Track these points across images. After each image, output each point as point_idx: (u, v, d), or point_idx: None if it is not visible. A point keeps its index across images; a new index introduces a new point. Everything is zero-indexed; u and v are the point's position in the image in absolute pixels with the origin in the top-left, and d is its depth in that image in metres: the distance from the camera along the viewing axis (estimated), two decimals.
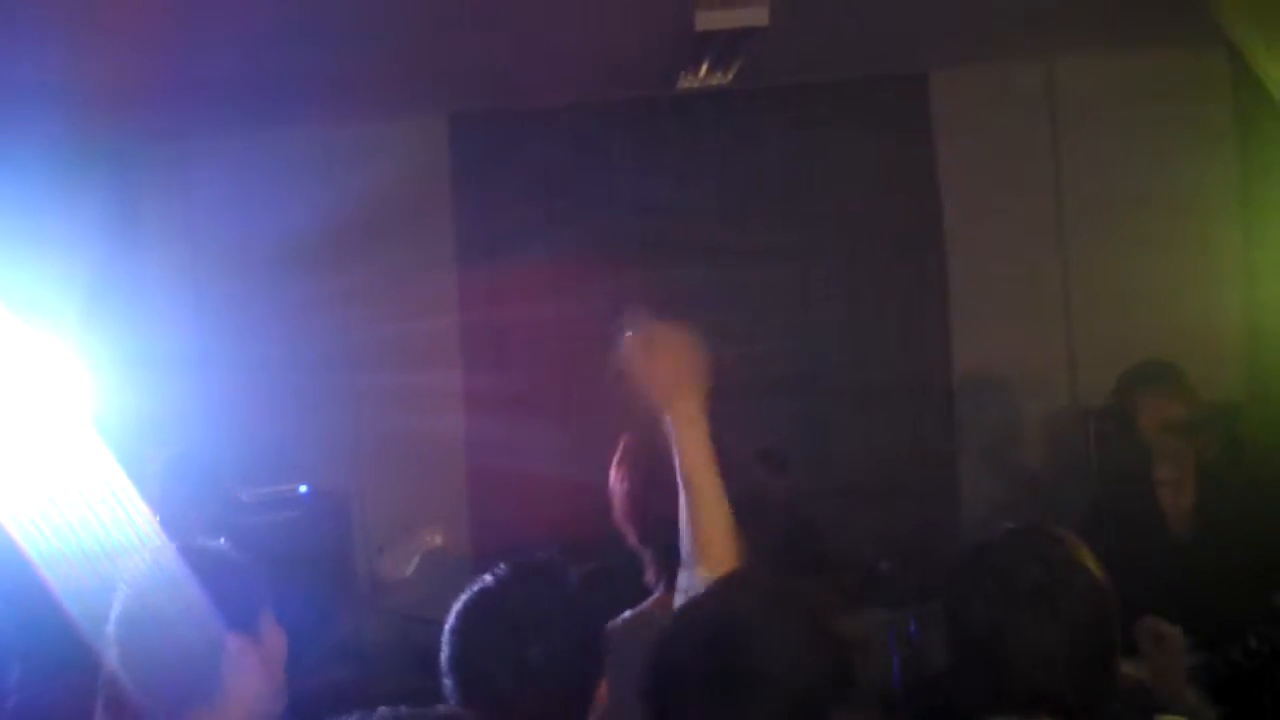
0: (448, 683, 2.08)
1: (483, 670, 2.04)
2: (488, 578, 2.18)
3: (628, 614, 2.65)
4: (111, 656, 2.36)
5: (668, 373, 2.27)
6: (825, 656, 1.93)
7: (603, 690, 2.16)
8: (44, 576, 2.86)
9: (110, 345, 4.40)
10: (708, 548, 2.23)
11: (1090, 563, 2.17)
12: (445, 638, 2.14)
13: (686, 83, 5.02)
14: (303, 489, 4.59)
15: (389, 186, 5.50)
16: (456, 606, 2.16)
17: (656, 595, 2.66)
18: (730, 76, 4.94)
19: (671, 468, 2.51)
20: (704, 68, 4.84)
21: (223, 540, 2.57)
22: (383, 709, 1.60)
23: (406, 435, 5.42)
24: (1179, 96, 5.48)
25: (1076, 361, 5.53)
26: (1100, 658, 2.15)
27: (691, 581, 2.31)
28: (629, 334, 2.36)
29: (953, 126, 5.66)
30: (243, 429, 5.06)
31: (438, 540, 3.14)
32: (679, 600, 2.32)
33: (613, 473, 2.69)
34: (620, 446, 2.71)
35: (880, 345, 5.68)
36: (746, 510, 2.50)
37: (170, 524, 3.15)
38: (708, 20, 4.23)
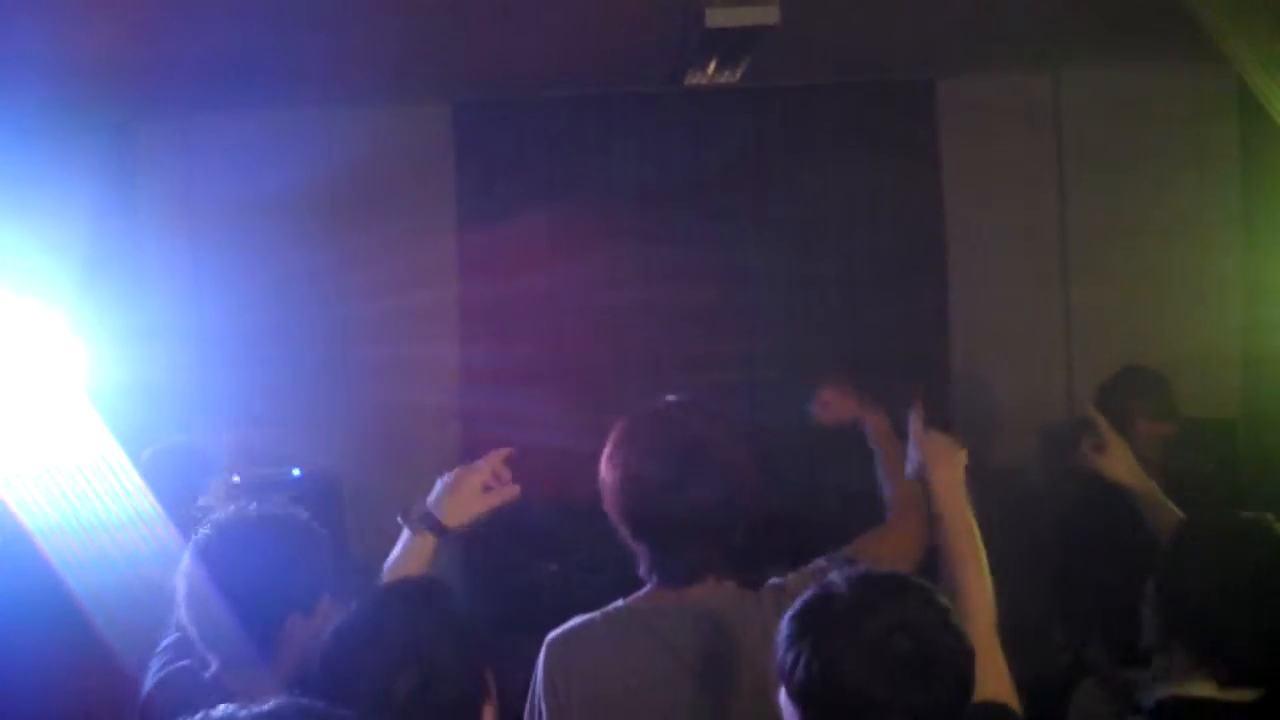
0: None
1: (347, 699, 1.92)
2: (364, 600, 2.13)
3: (619, 603, 2.63)
4: (180, 611, 2.45)
5: (949, 453, 2.57)
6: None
7: (488, 716, 2.11)
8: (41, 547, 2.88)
9: (107, 319, 4.39)
10: (970, 596, 2.37)
11: None
12: (323, 659, 2.08)
13: (694, 79, 5.01)
14: (296, 472, 4.58)
15: (391, 167, 5.52)
16: (330, 630, 2.10)
17: (648, 589, 2.64)
18: (738, 75, 4.93)
19: (670, 456, 2.53)
20: (712, 65, 4.83)
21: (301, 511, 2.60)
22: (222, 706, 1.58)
23: (401, 415, 5.45)
24: (1184, 115, 5.50)
25: (1074, 376, 5.54)
26: None
27: None
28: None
29: (957, 135, 5.65)
30: (238, 407, 5.05)
31: None
32: None
33: (604, 463, 2.62)
34: (612, 437, 2.67)
35: (877, 352, 5.66)
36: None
37: (169, 506, 3.16)
38: (718, 17, 4.22)
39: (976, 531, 2.46)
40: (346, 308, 5.55)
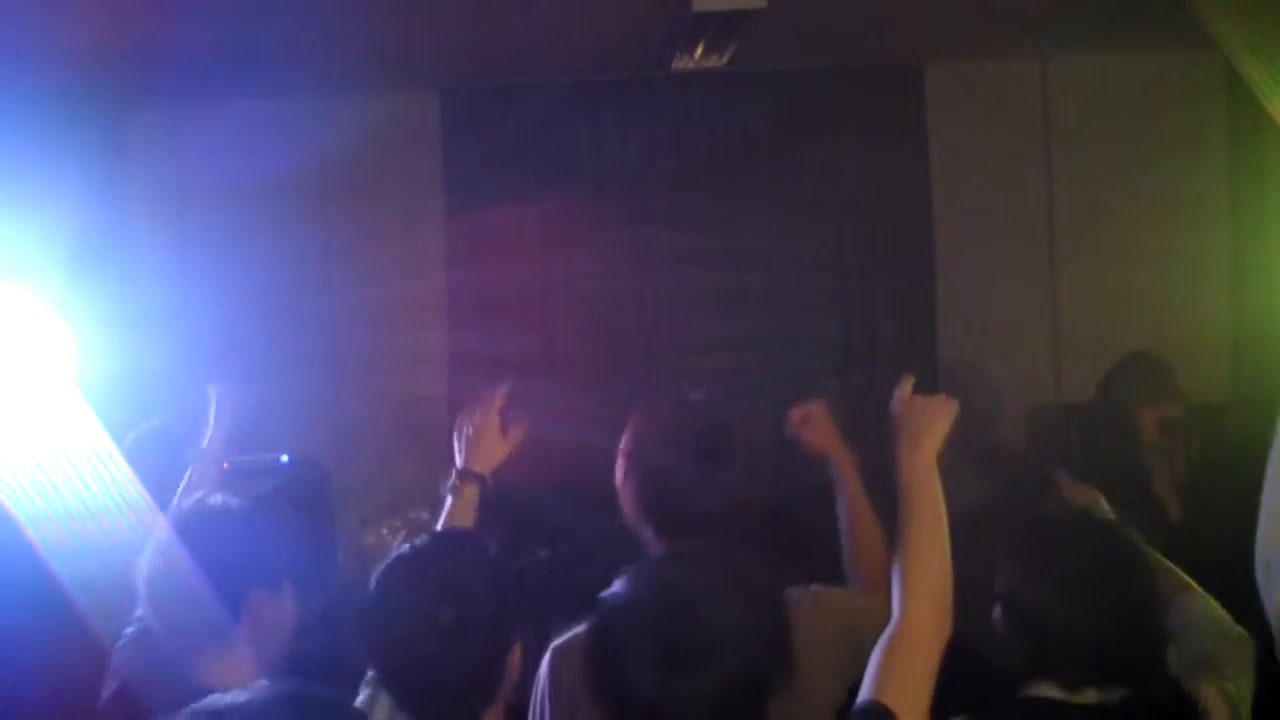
0: (362, 647, 2.19)
1: (395, 632, 2.15)
2: (405, 546, 2.26)
3: None
4: (141, 601, 2.48)
5: (926, 422, 2.40)
6: (772, 628, 2.00)
7: (516, 655, 2.23)
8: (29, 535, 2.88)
9: (95, 307, 4.37)
10: (908, 589, 2.23)
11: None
12: (363, 604, 2.21)
13: (682, 64, 5.00)
14: (284, 458, 4.56)
15: (379, 154, 5.50)
16: (375, 573, 2.23)
17: None
18: (726, 59, 4.93)
19: (691, 448, 2.53)
20: (699, 49, 4.82)
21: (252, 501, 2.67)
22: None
23: (389, 402, 5.45)
24: (1171, 99, 5.51)
25: (1062, 359, 5.55)
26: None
27: None
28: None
29: (946, 120, 5.65)
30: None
31: (424, 515, 3.12)
32: None
33: (621, 455, 2.63)
34: (629, 428, 2.65)
35: (865, 337, 5.67)
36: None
37: (151, 492, 3.16)
38: (706, 1, 4.22)
39: (941, 525, 2.28)
40: (335, 295, 5.54)
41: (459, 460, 2.82)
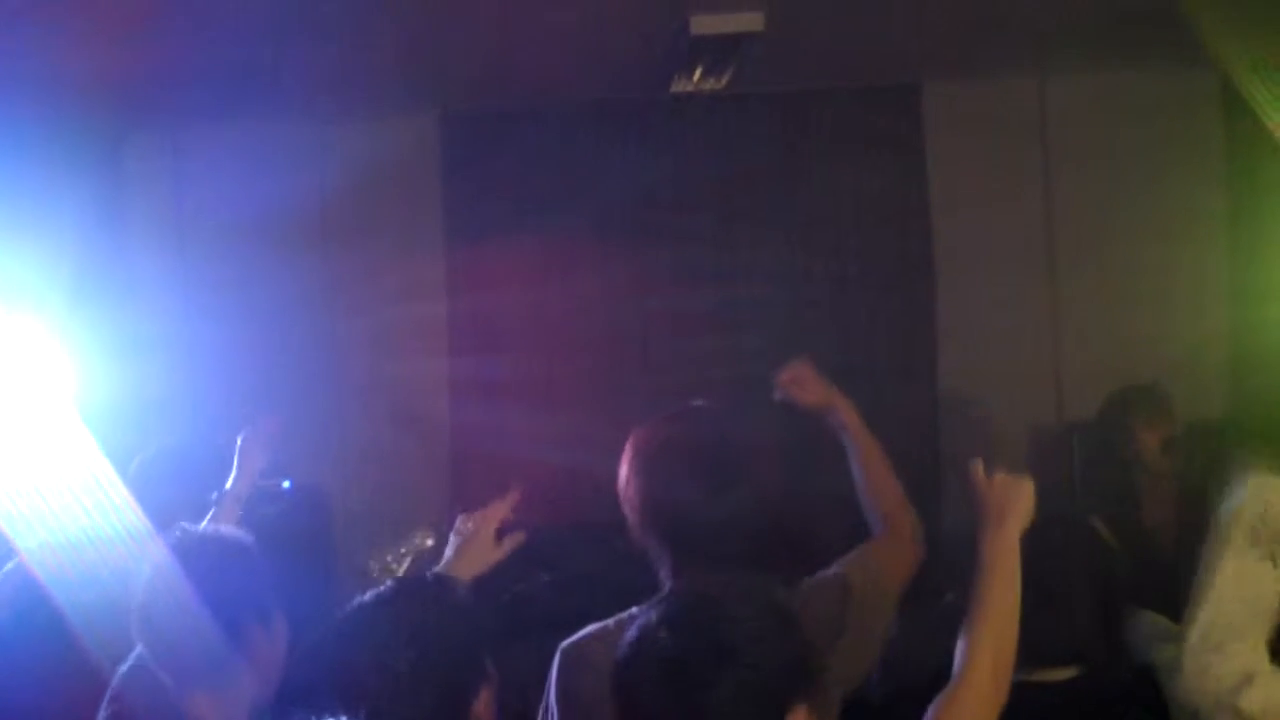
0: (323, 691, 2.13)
1: (353, 679, 2.10)
2: (370, 592, 2.23)
3: (633, 610, 2.61)
4: (135, 634, 2.45)
5: (1010, 501, 2.40)
6: (792, 649, 1.97)
7: (483, 703, 2.18)
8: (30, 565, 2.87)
9: (96, 333, 4.38)
10: (986, 654, 2.25)
11: None
12: (323, 649, 2.20)
13: (680, 86, 5.02)
14: (286, 484, 4.54)
15: (379, 179, 5.50)
16: (336, 618, 2.21)
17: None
18: (724, 82, 4.94)
19: (700, 463, 2.51)
20: (698, 72, 4.84)
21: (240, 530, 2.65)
22: None
23: (391, 428, 5.44)
24: (1169, 116, 5.52)
25: (1062, 378, 5.55)
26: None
27: None
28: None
29: (944, 139, 5.66)
30: (228, 420, 5.04)
31: (429, 543, 3.12)
32: None
33: (626, 470, 2.59)
34: (633, 444, 2.62)
35: (866, 356, 5.67)
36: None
37: (152, 519, 3.15)
38: (703, 24, 4.24)
39: (1015, 601, 2.30)
40: (336, 321, 5.54)
41: (443, 561, 2.80)
